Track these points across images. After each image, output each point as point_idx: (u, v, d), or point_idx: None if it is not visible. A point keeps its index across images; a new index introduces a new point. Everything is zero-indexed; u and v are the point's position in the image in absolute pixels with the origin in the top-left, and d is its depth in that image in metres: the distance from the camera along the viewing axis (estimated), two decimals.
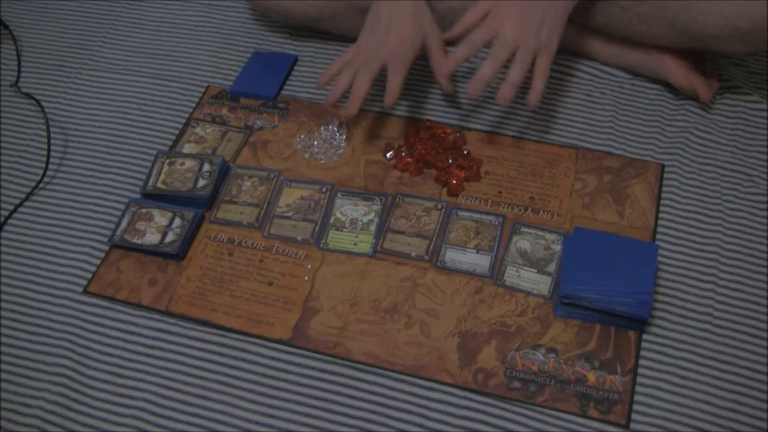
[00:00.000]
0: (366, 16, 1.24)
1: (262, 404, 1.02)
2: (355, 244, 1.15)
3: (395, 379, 1.02)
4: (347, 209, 1.19)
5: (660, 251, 1.11)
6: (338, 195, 1.21)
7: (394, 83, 1.20)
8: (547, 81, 1.18)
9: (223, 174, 1.24)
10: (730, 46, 1.18)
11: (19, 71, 1.44)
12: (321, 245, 1.15)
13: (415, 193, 1.20)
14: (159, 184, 1.21)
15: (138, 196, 1.23)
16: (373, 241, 1.15)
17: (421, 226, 1.16)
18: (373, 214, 1.18)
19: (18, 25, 1.53)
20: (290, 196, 1.21)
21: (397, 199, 1.19)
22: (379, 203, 1.19)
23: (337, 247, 1.15)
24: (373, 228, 1.16)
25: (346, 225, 1.17)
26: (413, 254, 1.13)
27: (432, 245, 1.14)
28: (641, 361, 1.02)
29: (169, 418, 1.01)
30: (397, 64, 1.20)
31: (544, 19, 1.16)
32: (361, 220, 1.17)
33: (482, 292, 1.09)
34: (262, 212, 1.20)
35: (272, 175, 1.24)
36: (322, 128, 1.30)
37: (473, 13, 1.19)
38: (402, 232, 1.16)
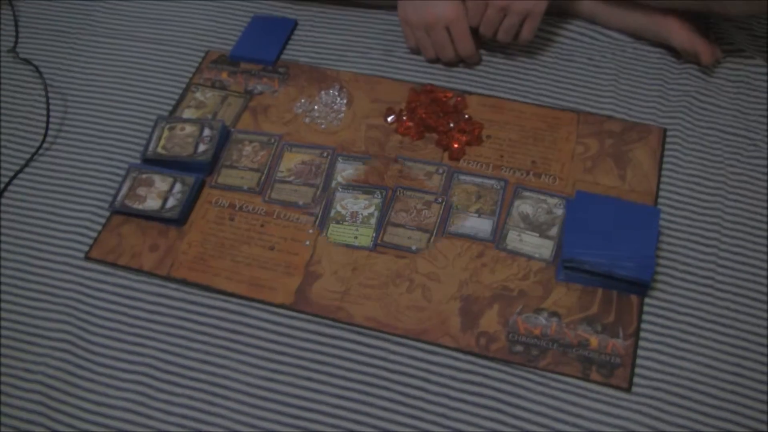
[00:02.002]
0: None
1: (264, 368, 1.02)
2: (356, 238, 1.14)
3: (397, 343, 1.03)
4: (348, 202, 1.18)
5: (662, 215, 1.11)
6: (339, 159, 1.20)
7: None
8: (532, 37, 1.26)
9: (224, 139, 1.24)
10: (734, 7, 1.17)
11: (16, 36, 1.43)
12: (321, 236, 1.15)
13: (416, 157, 1.20)
14: (159, 150, 1.21)
15: (138, 161, 1.23)
16: (374, 235, 1.14)
17: (421, 220, 1.15)
18: (373, 208, 1.17)
19: None
20: (291, 160, 1.21)
21: (398, 193, 1.18)
22: (379, 196, 1.18)
23: (338, 240, 1.14)
24: (373, 221, 1.16)
25: (347, 218, 1.16)
26: (414, 248, 1.12)
27: (432, 238, 1.13)
28: (643, 325, 1.03)
29: (171, 382, 1.02)
30: (468, 55, 1.30)
31: None
32: (362, 214, 1.16)
33: (484, 257, 1.09)
34: (263, 177, 1.20)
35: (273, 140, 1.24)
36: (322, 92, 1.29)
37: None
38: (402, 226, 1.15)
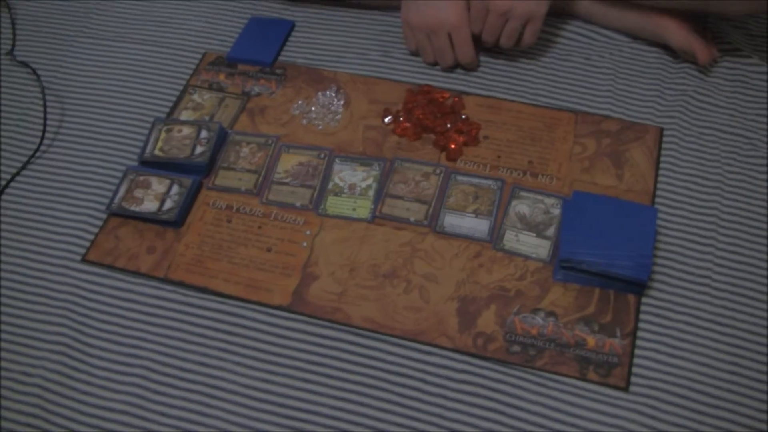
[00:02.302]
0: None
1: (262, 370, 1.02)
2: (354, 210, 1.15)
3: (394, 344, 1.03)
4: (346, 174, 1.18)
5: (659, 214, 1.11)
6: (336, 160, 1.20)
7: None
8: (535, 40, 1.26)
9: (221, 140, 1.24)
10: (731, 6, 1.17)
11: (14, 39, 1.43)
12: (320, 211, 1.15)
13: (413, 158, 1.20)
14: (157, 152, 1.21)
15: (136, 163, 1.23)
16: (372, 206, 1.15)
17: (419, 191, 1.16)
18: (371, 179, 1.17)
19: None
20: (288, 162, 1.21)
21: (396, 164, 1.19)
22: (377, 168, 1.19)
23: (336, 213, 1.15)
24: (371, 193, 1.16)
25: (345, 190, 1.17)
26: (412, 219, 1.13)
27: (431, 210, 1.14)
28: (641, 324, 1.03)
29: (169, 384, 1.02)
30: (468, 60, 1.29)
31: None
32: (360, 185, 1.17)
33: (481, 257, 1.09)
34: (260, 178, 1.19)
35: (270, 141, 1.24)
36: (319, 94, 1.29)
37: None
38: (401, 197, 1.15)
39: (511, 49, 1.31)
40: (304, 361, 1.02)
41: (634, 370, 0.99)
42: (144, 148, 1.22)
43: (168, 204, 1.15)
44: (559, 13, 1.35)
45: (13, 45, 1.42)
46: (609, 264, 1.02)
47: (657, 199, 1.14)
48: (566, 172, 1.17)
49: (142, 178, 1.19)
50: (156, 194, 1.16)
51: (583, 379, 0.98)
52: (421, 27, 1.26)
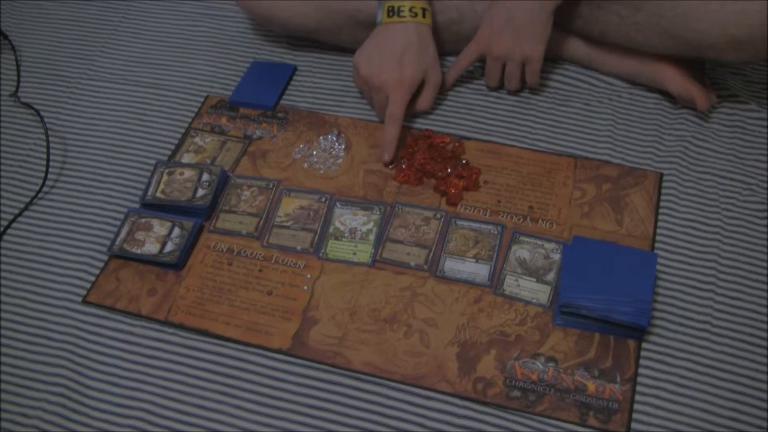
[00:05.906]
0: (364, 31, 1.28)
1: (261, 414, 1.01)
2: (355, 254, 1.15)
3: (394, 389, 1.02)
4: (346, 218, 1.19)
5: (659, 260, 1.11)
6: (337, 204, 1.21)
7: (389, 135, 1.26)
8: (538, 80, 1.30)
9: (223, 184, 1.24)
10: (727, 54, 1.18)
11: (18, 81, 1.44)
12: (320, 255, 1.15)
13: (414, 202, 1.20)
14: (158, 194, 1.21)
15: (137, 205, 1.23)
16: (373, 251, 1.15)
17: (420, 236, 1.16)
18: (372, 224, 1.18)
19: (17, 35, 1.53)
20: (289, 205, 1.21)
21: (396, 209, 1.19)
22: (378, 212, 1.19)
23: (337, 257, 1.15)
24: (372, 237, 1.16)
25: (345, 234, 1.17)
26: (412, 263, 1.13)
27: (431, 254, 1.14)
28: (641, 370, 1.02)
29: (168, 428, 1.01)
30: (393, 116, 1.25)
31: (522, 35, 1.24)
32: (361, 230, 1.17)
33: (481, 302, 1.09)
34: (262, 222, 1.20)
35: (271, 185, 1.24)
36: (321, 138, 1.30)
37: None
38: (401, 242, 1.16)
39: (505, 90, 1.33)
40: (303, 405, 1.02)
41: (635, 416, 0.99)
42: (146, 191, 1.22)
43: (169, 246, 1.16)
44: (559, 58, 1.37)
45: (18, 86, 1.43)
46: (609, 309, 1.02)
47: (657, 245, 1.14)
48: (566, 217, 1.18)
49: (143, 220, 1.19)
50: (157, 237, 1.17)
51: (583, 425, 0.98)
52: (366, 79, 1.28)
